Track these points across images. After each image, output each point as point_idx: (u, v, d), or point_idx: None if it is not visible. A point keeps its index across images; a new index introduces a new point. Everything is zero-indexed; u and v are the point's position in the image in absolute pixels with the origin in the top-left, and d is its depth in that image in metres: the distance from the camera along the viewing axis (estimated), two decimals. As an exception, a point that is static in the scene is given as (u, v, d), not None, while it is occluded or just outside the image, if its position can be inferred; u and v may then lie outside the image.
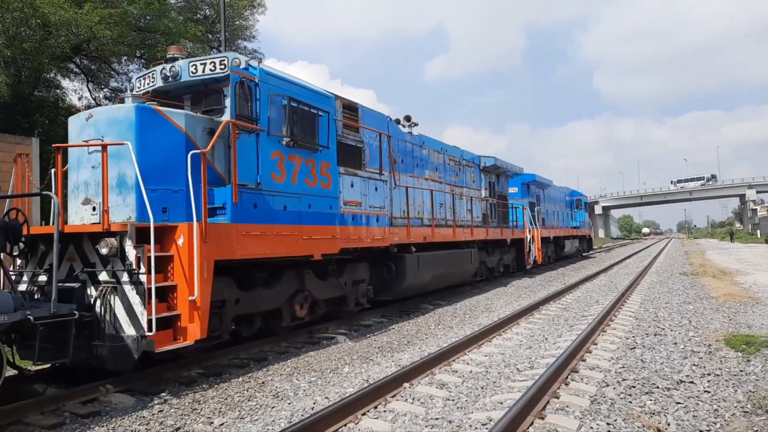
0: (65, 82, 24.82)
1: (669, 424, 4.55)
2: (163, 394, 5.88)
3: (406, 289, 11.18)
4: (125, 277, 5.74)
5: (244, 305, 7.28)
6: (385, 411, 5.03)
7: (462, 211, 14.65)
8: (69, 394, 5.60)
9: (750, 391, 5.38)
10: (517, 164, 19.57)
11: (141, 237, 5.78)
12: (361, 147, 10.07)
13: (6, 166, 9.01)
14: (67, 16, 17.92)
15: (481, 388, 5.74)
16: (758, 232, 72.19)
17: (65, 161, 6.84)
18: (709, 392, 5.40)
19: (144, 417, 5.17)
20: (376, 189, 10.28)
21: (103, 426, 4.97)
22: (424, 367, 6.33)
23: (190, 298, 5.91)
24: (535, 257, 20.02)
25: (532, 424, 4.53)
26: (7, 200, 6.88)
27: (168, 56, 7.99)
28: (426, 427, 4.62)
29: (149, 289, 5.53)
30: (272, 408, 5.37)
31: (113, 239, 5.78)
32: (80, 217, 6.64)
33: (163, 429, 4.91)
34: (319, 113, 8.34)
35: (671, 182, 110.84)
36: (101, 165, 6.03)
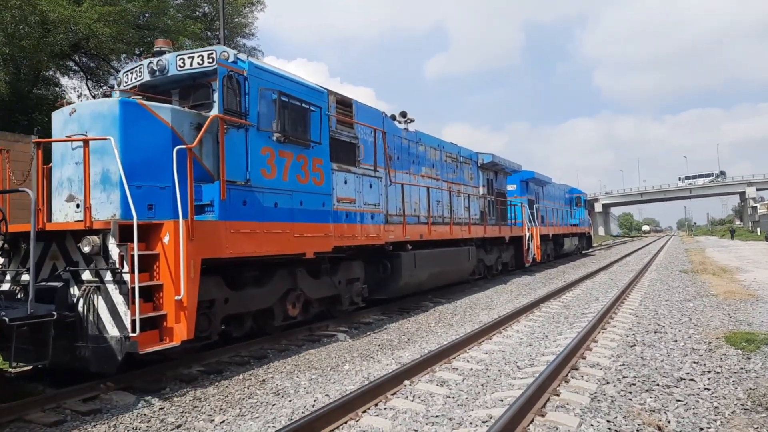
0: (64, 80, 24.78)
1: (669, 422, 4.57)
2: (163, 391, 5.93)
3: (402, 287, 11.13)
4: (108, 276, 5.62)
5: (234, 305, 7.18)
6: (385, 408, 5.05)
7: (459, 209, 14.60)
8: (70, 392, 5.64)
9: (750, 389, 5.41)
10: (516, 161, 19.45)
11: (125, 235, 5.64)
12: (356, 143, 9.98)
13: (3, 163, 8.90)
14: (65, 14, 17.90)
15: (482, 385, 5.76)
16: (758, 229, 72.26)
17: (50, 158, 6.75)
18: (709, 390, 5.43)
19: (145, 414, 5.19)
20: (370, 186, 10.18)
21: (104, 424, 4.99)
22: (425, 365, 6.36)
23: (176, 297, 5.79)
24: (534, 255, 20.00)
25: (532, 421, 4.55)
26: None
27: (155, 50, 7.86)
28: (426, 424, 4.64)
29: (133, 289, 5.42)
30: (273, 405, 5.39)
31: (95, 237, 5.64)
32: (64, 214, 6.55)
33: (164, 426, 4.92)
34: (311, 108, 8.21)
35: (679, 179, 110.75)
36: (86, 161, 5.89)
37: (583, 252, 34.06)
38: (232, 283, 7.26)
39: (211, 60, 7.16)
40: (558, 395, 5.22)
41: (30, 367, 6.43)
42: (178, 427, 4.95)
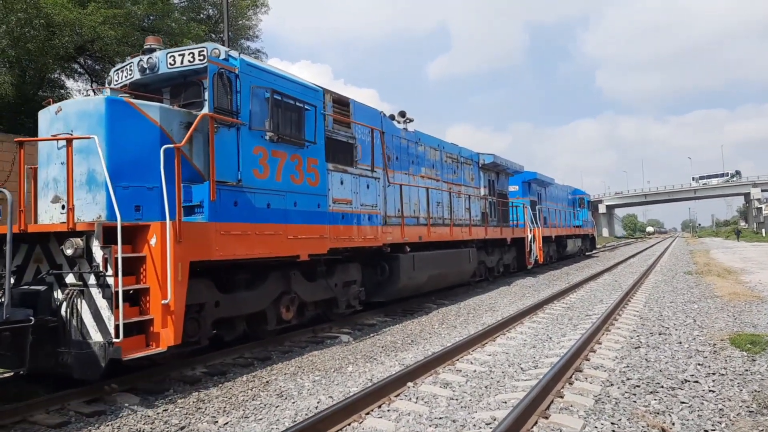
0: (69, 83, 24.90)
1: (674, 424, 4.56)
2: (167, 393, 5.97)
3: (401, 290, 11.04)
4: (92, 280, 5.53)
5: (225, 308, 7.07)
6: (389, 410, 5.07)
7: (460, 210, 14.52)
8: (74, 393, 5.64)
9: (755, 391, 5.40)
10: (518, 162, 19.40)
11: (110, 237, 5.53)
12: (353, 143, 9.88)
13: (8, 166, 8.91)
14: (71, 17, 18.02)
15: (485, 387, 5.76)
16: (763, 230, 71.96)
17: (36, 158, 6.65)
18: (714, 392, 5.41)
19: (149, 416, 5.21)
20: (367, 186, 10.05)
21: (108, 425, 5.02)
22: (428, 367, 6.38)
23: (163, 301, 5.69)
24: (537, 257, 19.94)
25: (536, 423, 4.55)
26: None
27: (145, 47, 7.75)
28: (430, 426, 4.64)
29: (117, 293, 5.31)
30: (276, 407, 5.40)
31: (78, 239, 5.54)
32: (50, 216, 6.46)
33: (167, 428, 4.94)
34: (306, 107, 8.12)
35: (693, 178, 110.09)
36: (69, 160, 5.81)
37: (587, 253, 33.94)
38: (223, 286, 7.18)
39: (202, 57, 7.06)
40: (562, 397, 5.22)
41: (11, 373, 6.36)
42: (182, 428, 4.97)
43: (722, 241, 61.93)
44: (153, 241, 5.82)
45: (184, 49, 7.30)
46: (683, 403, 5.15)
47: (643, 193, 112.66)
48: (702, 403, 5.14)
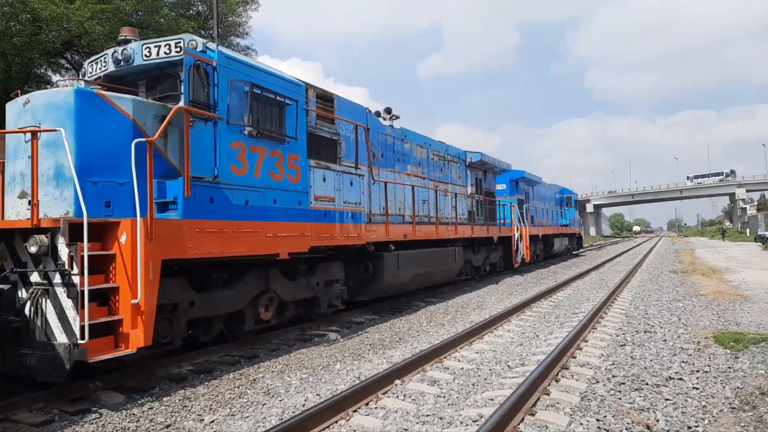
0: (56, 78, 24.57)
1: (658, 420, 4.61)
2: (153, 391, 5.96)
3: (385, 288, 10.93)
4: (57, 279, 5.30)
5: (200, 308, 6.89)
6: (376, 408, 5.08)
7: (446, 208, 14.46)
8: (57, 392, 5.56)
9: (738, 388, 5.49)
10: (507, 161, 19.50)
11: (77, 234, 5.28)
12: (337, 139, 9.72)
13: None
14: (58, 12, 17.82)
15: (473, 385, 5.79)
16: (748, 230, 72.87)
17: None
18: (697, 389, 5.49)
19: (134, 414, 5.18)
20: (351, 184, 9.86)
21: (92, 423, 4.99)
22: (416, 364, 6.41)
23: (132, 301, 5.50)
24: (523, 255, 20.04)
25: (522, 420, 4.58)
26: None
27: (120, 38, 7.49)
28: (417, 423, 4.65)
29: (82, 292, 5.10)
30: (263, 405, 5.39)
31: (43, 236, 5.32)
32: (16, 212, 6.19)
33: (153, 426, 4.91)
34: (287, 101, 7.90)
35: (687, 178, 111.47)
36: (34, 154, 5.58)
37: (573, 252, 34.18)
38: (198, 285, 6.97)
39: (178, 49, 6.83)
40: (548, 394, 5.26)
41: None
42: (168, 426, 4.93)
43: (707, 241, 62.75)
44: (123, 239, 5.61)
45: (161, 41, 7.10)
46: (667, 400, 5.21)
47: (630, 192, 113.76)
48: (686, 400, 5.20)
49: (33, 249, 5.36)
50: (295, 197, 8.13)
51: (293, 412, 5.09)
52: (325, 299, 9.42)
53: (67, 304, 5.25)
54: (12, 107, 6.56)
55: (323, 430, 4.62)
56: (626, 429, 4.44)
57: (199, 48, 6.82)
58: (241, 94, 7.20)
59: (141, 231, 5.59)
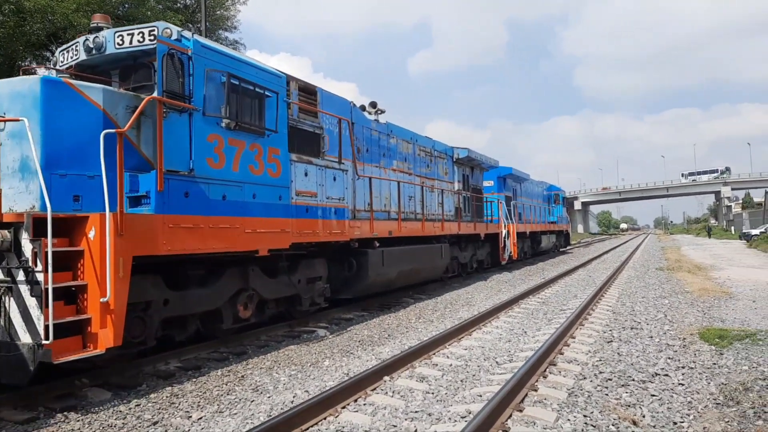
0: (41, 71, 24.19)
1: (644, 416, 4.68)
2: (140, 388, 5.93)
3: (369, 286, 10.81)
4: (21, 276, 5.11)
5: (175, 306, 6.71)
6: (365, 404, 5.11)
7: (433, 205, 14.39)
8: (43, 389, 5.49)
9: (722, 384, 5.59)
10: (496, 158, 19.56)
11: (42, 229, 5.08)
12: (320, 133, 9.54)
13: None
14: (42, 3, 17.61)
15: (461, 381, 5.84)
16: (733, 228, 73.89)
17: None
18: (683, 385, 5.58)
19: (121, 411, 5.16)
20: (334, 179, 9.62)
21: (79, 420, 4.98)
22: (405, 361, 6.45)
23: (101, 299, 5.31)
24: (511, 253, 20.13)
25: (510, 416, 4.63)
26: None
27: (91, 25, 7.22)
28: (406, 420, 4.68)
29: (46, 290, 4.92)
30: (252, 402, 5.39)
31: (6, 231, 5.13)
32: None
33: (140, 423, 4.89)
34: (266, 93, 7.71)
35: (682, 174, 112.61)
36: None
37: (561, 249, 34.42)
38: (173, 283, 6.78)
39: (152, 37, 6.58)
40: (536, 390, 5.31)
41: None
42: (155, 423, 4.92)
43: (693, 238, 63.64)
44: (92, 234, 5.41)
45: (134, 28, 6.85)
46: (653, 395, 5.28)
47: (618, 190, 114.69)
48: (671, 396, 5.28)
49: None
50: (275, 192, 7.95)
51: (282, 408, 5.11)
52: (307, 297, 9.27)
53: (31, 302, 5.06)
54: None
55: (312, 426, 4.64)
56: (613, 424, 4.50)
57: (174, 36, 6.60)
58: (218, 84, 7.01)
59: (110, 226, 5.39)
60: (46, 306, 4.91)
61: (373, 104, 12.18)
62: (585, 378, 5.85)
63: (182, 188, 6.41)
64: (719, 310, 10.25)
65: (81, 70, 7.24)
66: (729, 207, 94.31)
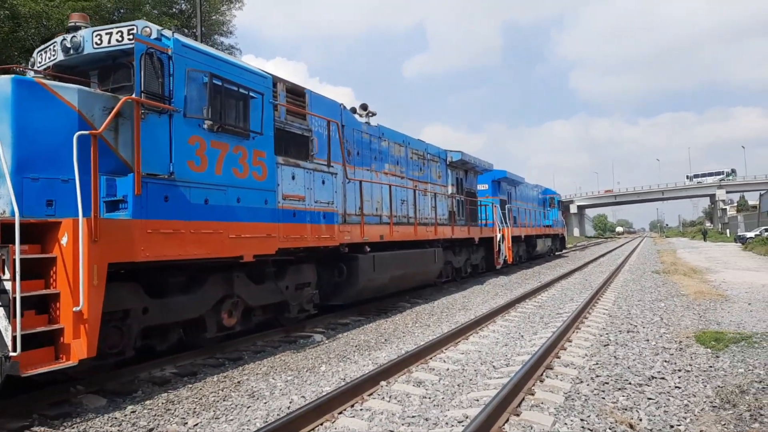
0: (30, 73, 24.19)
1: (641, 420, 4.69)
2: (135, 394, 5.91)
3: (361, 291, 10.65)
4: None
5: (155, 315, 6.53)
6: (362, 410, 5.10)
7: (426, 208, 14.27)
8: (38, 396, 5.48)
9: (718, 387, 5.62)
10: (492, 162, 19.54)
11: (12, 235, 4.89)
12: (309, 136, 9.38)
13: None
14: (37, 9, 17.61)
15: (458, 385, 5.83)
16: (728, 231, 74.21)
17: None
18: (679, 388, 5.60)
19: (116, 418, 5.16)
20: (323, 182, 9.42)
21: (73, 428, 5.00)
22: (402, 366, 6.46)
23: (74, 309, 5.10)
24: (506, 257, 20.13)
25: (507, 420, 4.64)
26: None
27: (69, 24, 7.05)
28: (403, 425, 4.68)
29: (14, 299, 4.74)
30: (248, 408, 5.38)
31: None
32: None
33: (135, 430, 4.93)
34: (251, 94, 7.56)
35: (687, 177, 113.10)
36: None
37: (556, 253, 34.43)
38: (153, 290, 6.61)
39: (131, 36, 6.37)
40: (533, 395, 5.31)
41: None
42: (150, 430, 4.96)
43: (688, 241, 63.91)
44: (64, 241, 5.20)
45: (112, 27, 6.71)
46: (650, 399, 5.30)
47: (613, 193, 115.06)
48: (668, 399, 5.30)
49: None
50: (260, 196, 7.77)
51: (278, 414, 5.10)
52: (295, 304, 9.07)
53: None
54: None
55: (309, 432, 4.61)
56: (610, 428, 4.51)
57: (154, 35, 6.45)
58: (200, 85, 6.85)
59: (83, 232, 5.18)
60: (14, 316, 4.74)
61: (364, 106, 12.05)
62: (582, 382, 5.86)
63: (162, 192, 6.23)
64: (715, 313, 10.29)
65: (59, 71, 7.08)
66: (724, 210, 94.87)
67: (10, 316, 4.77)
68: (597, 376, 6.10)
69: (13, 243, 4.84)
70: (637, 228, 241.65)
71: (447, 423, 4.74)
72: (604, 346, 7.67)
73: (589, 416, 4.79)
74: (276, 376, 6.65)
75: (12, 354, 4.70)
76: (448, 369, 6.66)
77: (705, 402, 5.29)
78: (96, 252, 5.33)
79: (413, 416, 4.96)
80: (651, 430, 4.57)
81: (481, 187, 20.07)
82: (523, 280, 18.54)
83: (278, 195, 8.19)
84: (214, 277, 7.43)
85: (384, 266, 11.16)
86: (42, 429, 4.97)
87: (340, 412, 5.07)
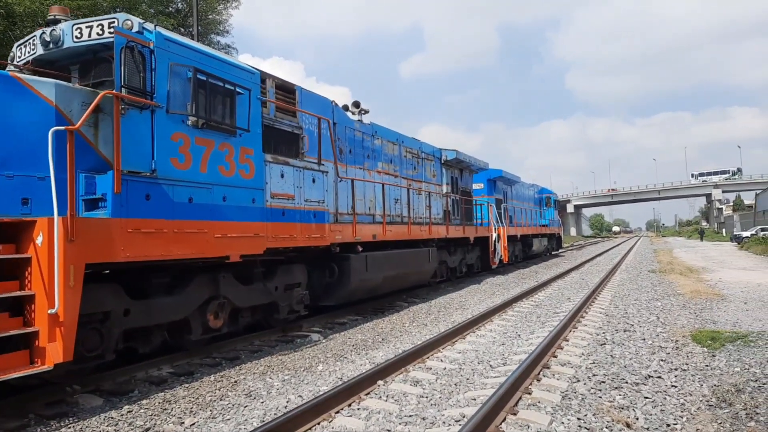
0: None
1: (637, 419, 4.71)
2: (132, 394, 5.92)
3: (352, 292, 10.52)
4: None
5: (137, 317, 6.36)
6: (359, 409, 5.12)
7: (420, 207, 14.19)
8: (34, 395, 5.47)
9: (715, 385, 5.66)
10: (489, 161, 19.53)
11: None
12: (299, 133, 9.24)
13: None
14: (33, 7, 17.56)
15: (455, 384, 5.85)
16: (724, 230, 74.46)
17: None
18: (676, 387, 5.63)
19: (112, 418, 5.16)
20: (313, 180, 9.24)
21: (70, 427, 5.00)
22: (399, 365, 6.48)
23: (49, 311, 4.93)
24: (501, 256, 20.09)
25: (504, 420, 4.65)
26: None
27: (48, 17, 6.90)
28: (400, 424, 4.70)
29: None
30: (245, 407, 5.38)
31: None
32: None
33: (132, 429, 4.92)
34: (237, 90, 7.41)
35: (692, 175, 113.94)
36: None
37: (553, 253, 34.48)
38: (135, 292, 6.47)
39: (112, 30, 6.22)
40: (530, 394, 5.33)
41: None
42: (147, 430, 4.95)
43: (685, 241, 64.20)
44: (39, 240, 5.05)
45: (93, 20, 6.54)
46: (647, 398, 5.33)
47: (610, 193, 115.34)
48: (665, 398, 5.32)
49: None
50: (248, 194, 7.60)
51: (275, 414, 5.12)
52: (285, 305, 8.91)
53: None
54: None
55: (305, 431, 4.61)
56: (607, 427, 4.53)
57: (135, 28, 6.30)
58: (184, 80, 6.66)
59: (59, 231, 5.01)
60: None
61: (356, 104, 11.93)
62: (579, 381, 5.88)
63: (143, 190, 6.07)
64: (711, 312, 10.35)
65: (39, 66, 6.93)
66: (720, 209, 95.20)
67: None
68: (594, 375, 6.13)
69: None
70: (634, 227, 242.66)
71: (444, 422, 4.76)
72: (601, 345, 7.69)
73: (586, 415, 4.81)
74: (273, 375, 6.65)
75: None
76: (445, 368, 6.68)
77: (701, 401, 5.32)
78: (72, 252, 5.16)
79: (410, 415, 4.97)
80: (648, 428, 4.60)
81: (476, 186, 20.03)
82: (520, 279, 18.57)
83: (266, 193, 8.03)
84: (200, 278, 7.28)
85: (377, 266, 11.06)
86: (38, 429, 4.97)
87: (338, 412, 5.08)
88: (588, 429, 4.51)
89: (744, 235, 47.39)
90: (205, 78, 6.89)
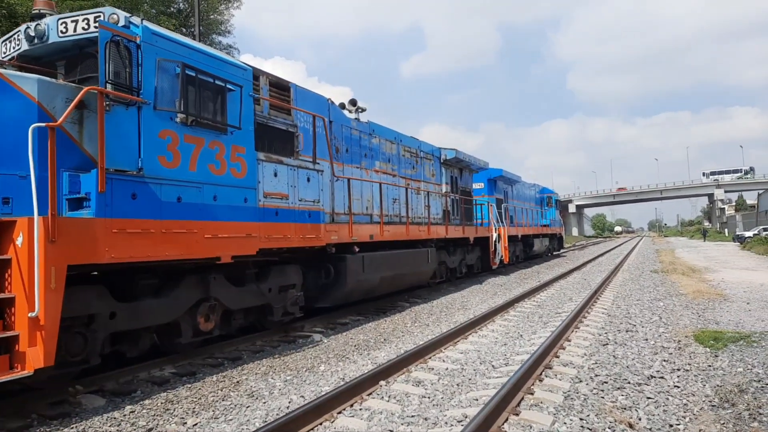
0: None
1: (640, 419, 4.71)
2: (134, 394, 5.93)
3: (349, 293, 10.41)
4: None
5: (123, 320, 6.21)
6: (361, 409, 5.13)
7: (418, 207, 14.09)
8: (36, 396, 5.48)
9: (717, 386, 5.67)
10: (489, 161, 19.48)
11: None
12: (294, 132, 9.06)
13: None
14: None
15: (457, 385, 5.86)
16: (726, 230, 74.36)
17: None
18: (678, 387, 5.63)
19: (115, 418, 5.17)
20: (308, 180, 9.11)
21: (72, 427, 5.02)
22: (401, 365, 6.50)
23: (30, 314, 4.80)
24: (502, 257, 20.06)
25: (506, 420, 4.66)
26: None
27: (33, 12, 6.79)
28: (402, 424, 4.71)
29: None
30: (247, 407, 5.39)
31: None
32: None
33: (134, 430, 4.95)
34: (228, 87, 7.27)
35: (703, 174, 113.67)
36: None
37: (554, 253, 34.42)
38: (122, 294, 6.35)
39: (97, 24, 6.09)
40: (532, 394, 5.33)
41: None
42: (149, 430, 4.98)
43: (687, 241, 64.14)
44: (19, 241, 4.93)
45: (78, 15, 6.36)
46: (649, 398, 5.33)
47: (612, 193, 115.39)
48: (667, 399, 5.32)
49: None
50: (240, 194, 7.42)
51: (277, 414, 5.15)
52: (279, 307, 8.70)
53: None
54: None
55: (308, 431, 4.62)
56: (609, 428, 4.53)
57: (121, 23, 6.18)
58: (172, 76, 6.49)
59: (39, 232, 4.87)
60: None
61: (353, 102, 11.79)
62: (581, 381, 5.88)
63: (129, 189, 5.91)
64: (714, 312, 10.34)
65: (25, 62, 6.79)
66: (722, 209, 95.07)
67: None
68: (596, 375, 6.13)
69: None
70: (636, 227, 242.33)
71: (446, 422, 4.77)
72: (603, 345, 7.69)
73: (588, 415, 4.81)
74: (275, 375, 6.67)
75: None
76: (447, 368, 6.69)
77: (704, 401, 5.33)
78: (53, 253, 5.01)
79: (412, 416, 4.99)
80: (650, 429, 4.61)
81: (476, 185, 19.95)
82: (522, 279, 18.56)
83: (259, 193, 7.87)
84: (189, 280, 7.10)
85: (374, 267, 10.96)
86: (41, 429, 4.99)
87: (340, 412, 5.11)
88: (590, 429, 4.52)
89: (746, 235, 47.33)
90: (194, 74, 6.76)
